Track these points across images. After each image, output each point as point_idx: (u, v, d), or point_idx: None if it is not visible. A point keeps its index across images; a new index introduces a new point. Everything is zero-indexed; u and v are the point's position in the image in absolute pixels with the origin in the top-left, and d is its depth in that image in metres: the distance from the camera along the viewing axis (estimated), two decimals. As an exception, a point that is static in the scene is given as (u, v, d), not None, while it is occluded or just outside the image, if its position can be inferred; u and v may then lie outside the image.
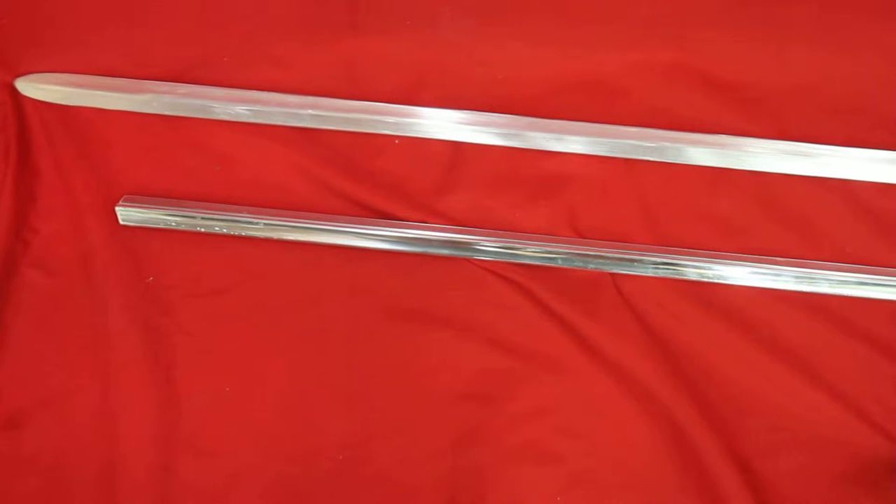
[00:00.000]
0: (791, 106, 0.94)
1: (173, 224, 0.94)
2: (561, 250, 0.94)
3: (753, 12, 0.94)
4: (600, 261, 0.94)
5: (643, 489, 0.93)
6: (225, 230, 0.94)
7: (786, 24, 0.94)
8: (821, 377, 0.93)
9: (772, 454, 0.92)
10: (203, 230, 0.94)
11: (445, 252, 0.94)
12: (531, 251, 0.94)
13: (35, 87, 0.94)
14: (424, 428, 0.94)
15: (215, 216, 0.94)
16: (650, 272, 0.94)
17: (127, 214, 0.94)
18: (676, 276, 0.94)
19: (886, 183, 0.94)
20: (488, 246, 0.94)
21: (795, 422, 0.93)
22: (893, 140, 0.93)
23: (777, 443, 0.93)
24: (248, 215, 0.94)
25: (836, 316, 0.94)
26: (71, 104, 0.94)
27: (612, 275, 0.95)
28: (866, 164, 0.93)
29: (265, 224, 0.94)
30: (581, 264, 0.94)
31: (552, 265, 0.94)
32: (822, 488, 0.92)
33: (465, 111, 0.94)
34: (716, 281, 0.94)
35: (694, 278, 0.94)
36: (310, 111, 0.94)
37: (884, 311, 0.94)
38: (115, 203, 0.94)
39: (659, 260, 0.93)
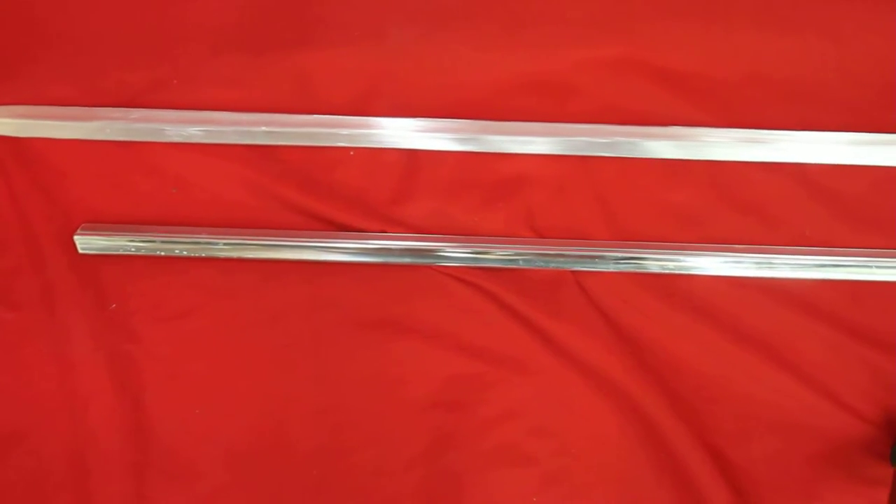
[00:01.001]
0: (741, 93, 0.94)
1: (133, 249, 0.94)
2: (522, 251, 0.94)
3: (698, 1, 0.94)
4: (561, 259, 0.94)
5: (618, 484, 0.94)
6: (185, 252, 0.94)
7: (731, 12, 0.94)
8: (787, 362, 0.93)
9: (743, 441, 0.93)
10: (163, 253, 0.94)
11: (407, 260, 0.94)
12: (492, 254, 0.94)
13: (-15, 122, 0.93)
14: (397, 437, 0.94)
15: (175, 239, 0.94)
16: (611, 267, 0.94)
17: (86, 243, 0.94)
18: (638, 270, 0.94)
19: (841, 164, 0.94)
20: (449, 252, 0.94)
21: (765, 408, 0.93)
22: (844, 121, 0.93)
23: (748, 429, 0.93)
24: (207, 236, 0.94)
25: (798, 300, 0.94)
26: (23, 136, 0.94)
27: (574, 272, 0.95)
28: (820, 146, 0.93)
29: (225, 244, 0.94)
30: (543, 264, 0.94)
31: (514, 267, 0.94)
32: (796, 472, 0.93)
33: (418, 119, 0.94)
34: (677, 272, 0.94)
35: (655, 271, 0.94)
36: (263, 128, 0.94)
37: (846, 291, 0.94)
38: (73, 232, 0.94)
39: (619, 255, 0.94)
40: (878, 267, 0.93)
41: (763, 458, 0.93)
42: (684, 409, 0.93)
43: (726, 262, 0.94)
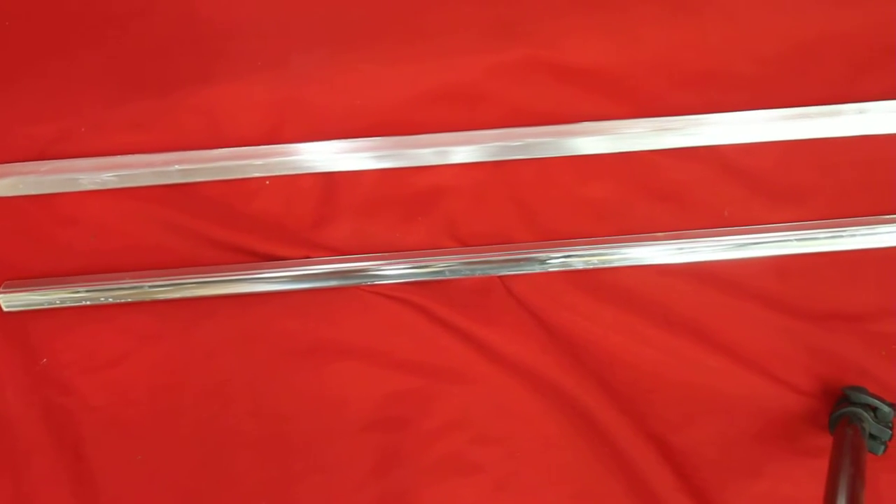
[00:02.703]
0: (648, 82, 0.95)
1: (58, 302, 0.93)
2: (447, 262, 0.94)
3: (594, -4, 0.95)
4: (486, 266, 0.94)
5: (567, 482, 0.94)
6: (111, 299, 0.94)
7: (627, 3, 0.95)
8: (719, 343, 0.94)
9: (684, 426, 0.94)
10: (89, 303, 0.93)
11: (334, 283, 0.94)
12: (418, 268, 0.94)
13: None
14: (342, 461, 0.94)
15: (99, 287, 0.93)
16: (537, 268, 0.94)
17: (9, 300, 0.93)
18: (564, 269, 0.94)
19: (752, 142, 0.95)
20: (375, 270, 0.94)
21: (702, 391, 0.94)
22: (748, 100, 0.94)
23: (688, 414, 0.94)
24: (131, 281, 0.94)
25: (725, 280, 0.95)
26: (-65, 200, 0.93)
27: (501, 277, 0.95)
28: (730, 126, 0.94)
29: (150, 286, 0.93)
30: (469, 272, 0.95)
31: (440, 278, 0.95)
32: (738, 450, 0.94)
33: (330, 141, 0.94)
34: (602, 266, 0.94)
35: (581, 267, 0.94)
36: (176, 167, 0.94)
37: (769, 266, 0.95)
38: (-5, 291, 0.93)
39: (543, 255, 0.94)
40: (797, 240, 0.94)
41: (705, 441, 0.94)
42: (623, 401, 0.93)
43: (650, 251, 0.94)
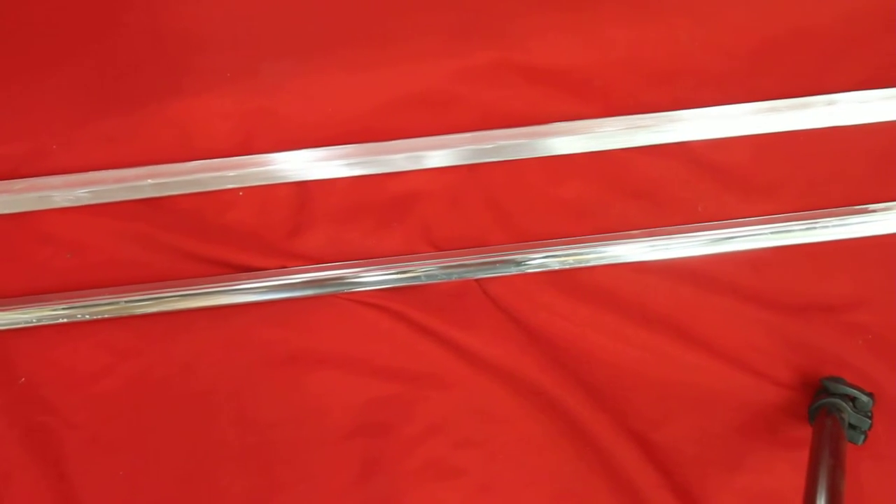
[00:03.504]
0: (618, 81, 0.96)
1: (35, 321, 0.93)
2: (423, 267, 0.94)
3: (562, -2, 0.95)
4: (462, 269, 0.94)
5: (549, 482, 0.94)
6: (88, 316, 0.93)
7: (596, 3, 0.95)
8: (697, 339, 0.94)
9: (665, 423, 0.94)
10: (66, 320, 0.93)
11: (310, 292, 0.94)
12: (394, 274, 0.94)
13: None
14: (325, 469, 0.94)
15: (75, 304, 0.93)
16: (513, 270, 0.94)
17: (-14, 321, 0.93)
18: (540, 269, 0.94)
19: (722, 137, 0.95)
20: (351, 277, 0.94)
21: (681, 387, 0.94)
22: (718, 95, 0.95)
23: (668, 411, 0.94)
24: (107, 297, 0.93)
25: (700, 276, 0.95)
26: None
27: (478, 280, 0.95)
28: (701, 122, 0.95)
29: (126, 301, 0.93)
30: (445, 277, 0.95)
31: (417, 283, 0.95)
32: (719, 445, 0.94)
33: (302, 150, 0.94)
34: (578, 266, 0.95)
35: (557, 267, 0.94)
36: (149, 181, 0.94)
37: (744, 260, 0.95)
38: (-29, 312, 0.93)
39: (519, 257, 0.94)
40: (772, 233, 0.94)
41: (686, 437, 0.94)
42: (603, 400, 0.93)
43: (625, 249, 0.95)
